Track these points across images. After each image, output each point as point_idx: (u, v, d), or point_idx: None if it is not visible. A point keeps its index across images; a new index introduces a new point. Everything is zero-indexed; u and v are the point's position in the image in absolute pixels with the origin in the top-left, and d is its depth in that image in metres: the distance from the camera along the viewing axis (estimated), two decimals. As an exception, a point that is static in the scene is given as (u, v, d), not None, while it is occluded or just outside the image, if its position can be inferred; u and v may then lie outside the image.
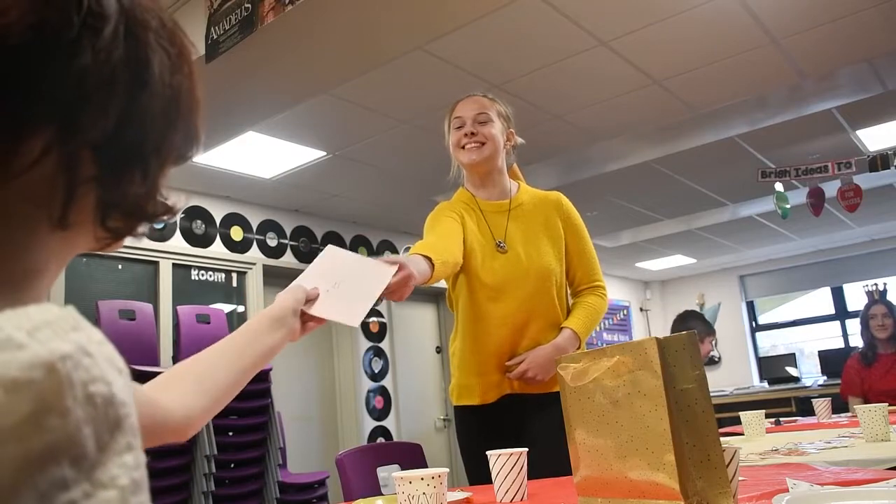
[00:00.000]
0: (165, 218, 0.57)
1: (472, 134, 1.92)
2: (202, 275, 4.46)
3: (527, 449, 1.30)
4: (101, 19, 0.47)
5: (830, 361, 6.62)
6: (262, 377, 3.83)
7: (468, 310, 1.94)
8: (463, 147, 1.94)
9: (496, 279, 1.90)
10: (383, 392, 5.41)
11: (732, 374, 8.03)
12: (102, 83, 0.47)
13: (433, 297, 6.20)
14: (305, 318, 1.15)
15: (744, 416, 2.46)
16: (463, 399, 1.95)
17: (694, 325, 4.03)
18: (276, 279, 4.98)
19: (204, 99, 0.58)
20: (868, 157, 4.47)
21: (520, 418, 1.91)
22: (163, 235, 4.26)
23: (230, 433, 3.62)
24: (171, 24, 0.54)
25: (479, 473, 1.82)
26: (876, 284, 4.08)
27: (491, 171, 1.99)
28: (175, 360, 3.94)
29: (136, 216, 0.54)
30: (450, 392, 2.02)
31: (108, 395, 0.36)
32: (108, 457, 0.36)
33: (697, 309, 8.50)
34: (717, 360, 8.28)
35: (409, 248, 1.92)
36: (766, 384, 7.42)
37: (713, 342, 3.98)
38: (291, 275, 5.00)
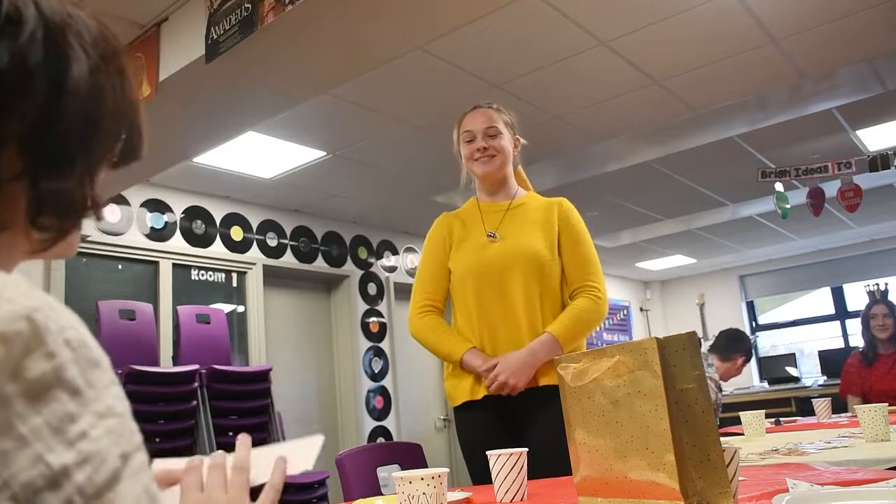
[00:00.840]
0: (95, 215, 0.58)
1: (484, 148, 2.02)
2: (202, 275, 4.46)
3: (527, 449, 1.30)
4: (18, 25, 0.49)
5: (830, 361, 6.62)
6: (262, 377, 3.83)
7: (463, 303, 1.99)
8: (476, 160, 2.04)
9: (485, 264, 1.96)
10: (383, 392, 5.41)
11: (732, 374, 8.01)
12: (17, 85, 0.48)
13: (433, 297, 6.19)
14: None
15: (744, 416, 2.46)
16: (465, 396, 1.95)
17: (746, 344, 3.96)
18: (276, 279, 4.98)
19: (139, 98, 0.59)
20: (868, 157, 4.47)
21: (519, 407, 1.92)
22: (163, 235, 4.26)
23: (230, 433, 3.62)
24: (95, 27, 0.56)
25: (482, 473, 1.83)
26: (878, 284, 4.07)
27: (501, 179, 2.09)
28: (175, 360, 3.94)
29: (66, 214, 0.55)
30: (447, 394, 2.04)
31: (80, 339, 0.40)
32: (100, 391, 0.40)
33: (698, 310, 8.51)
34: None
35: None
36: (766, 384, 7.41)
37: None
38: (291, 275, 4.95)
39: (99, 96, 0.54)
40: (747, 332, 8.33)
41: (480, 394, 1.92)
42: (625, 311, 8.34)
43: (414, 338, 2.06)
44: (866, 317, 3.77)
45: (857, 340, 4.06)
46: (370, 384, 5.33)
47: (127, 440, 0.40)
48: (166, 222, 4.30)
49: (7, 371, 0.36)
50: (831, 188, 4.70)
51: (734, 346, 3.84)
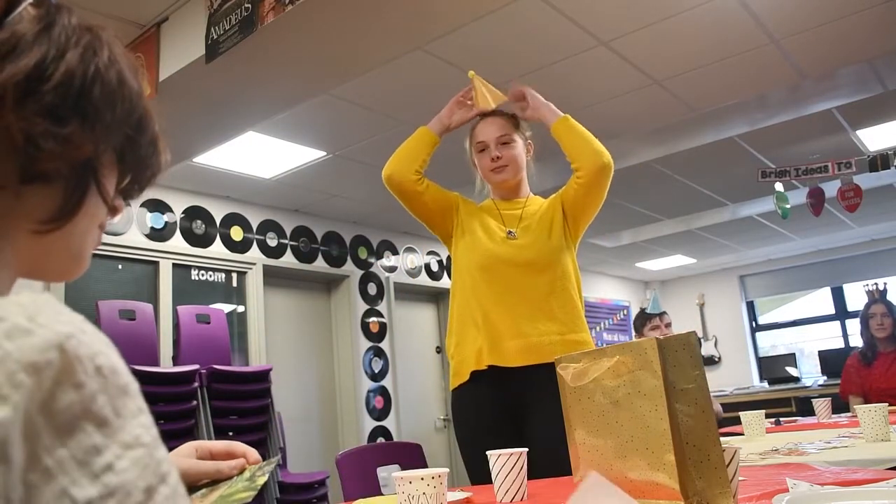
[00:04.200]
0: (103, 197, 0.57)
1: (498, 158, 2.07)
2: (202, 275, 4.46)
3: (527, 449, 1.30)
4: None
5: (830, 361, 6.62)
6: (262, 377, 3.83)
7: (472, 289, 2.01)
8: (491, 170, 2.09)
9: (504, 257, 2.00)
10: (383, 392, 5.41)
11: (732, 374, 8.03)
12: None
13: (433, 297, 6.20)
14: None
15: (744, 416, 2.46)
16: (472, 366, 1.96)
17: (642, 318, 4.42)
18: (276, 279, 4.98)
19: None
20: (868, 157, 4.47)
21: (521, 385, 1.93)
22: (163, 235, 4.26)
23: (230, 433, 3.62)
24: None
25: (480, 470, 1.83)
26: (876, 284, 4.08)
27: (514, 186, 2.15)
28: (175, 360, 3.95)
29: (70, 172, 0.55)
30: (454, 372, 2.04)
31: (111, 366, 0.40)
32: (127, 420, 0.40)
33: (698, 310, 8.53)
34: (717, 360, 8.28)
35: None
36: (766, 384, 7.42)
37: (666, 322, 4.35)
38: (291, 275, 4.95)
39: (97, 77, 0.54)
40: (747, 331, 8.37)
41: (484, 363, 1.93)
42: (625, 311, 8.33)
43: (387, 168, 2.20)
44: (865, 316, 3.77)
45: (857, 340, 4.07)
46: (370, 384, 5.33)
47: (152, 472, 0.39)
48: (166, 222, 4.30)
49: (37, 402, 0.36)
50: (831, 188, 4.70)
51: (639, 321, 4.35)
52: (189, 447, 0.87)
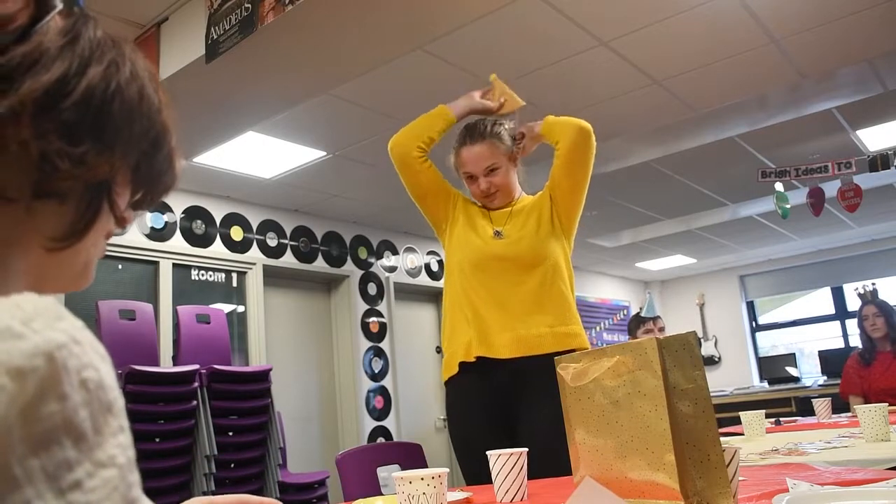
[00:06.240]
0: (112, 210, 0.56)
1: (488, 188, 2.08)
2: (202, 275, 4.46)
3: (527, 449, 1.30)
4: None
5: (830, 361, 6.63)
6: (262, 377, 3.83)
7: (461, 284, 2.03)
8: (484, 198, 2.12)
9: (494, 256, 2.01)
10: (383, 392, 5.41)
11: (732, 374, 8.03)
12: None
13: (433, 297, 6.20)
14: None
15: (744, 416, 2.46)
16: (461, 357, 1.97)
17: (637, 321, 4.55)
18: (276, 279, 4.98)
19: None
20: (868, 157, 4.47)
21: (514, 378, 1.93)
22: (163, 235, 4.26)
23: (230, 433, 3.61)
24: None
25: (471, 464, 1.84)
26: (865, 286, 4.10)
27: (507, 200, 2.16)
28: (175, 360, 3.95)
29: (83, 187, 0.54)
30: (445, 365, 2.05)
31: (98, 380, 0.39)
32: (105, 438, 0.38)
33: (698, 310, 8.53)
34: (717, 360, 8.28)
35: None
36: (766, 384, 7.42)
37: (659, 326, 4.52)
38: (291, 275, 4.94)
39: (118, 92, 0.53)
40: (747, 331, 8.36)
41: (473, 355, 1.94)
42: (625, 311, 8.34)
43: (393, 138, 2.17)
44: (860, 318, 3.80)
45: (856, 340, 4.09)
46: (370, 384, 5.33)
47: (121, 495, 0.38)
48: (166, 222, 4.30)
49: (16, 409, 0.35)
50: (831, 188, 4.70)
51: (635, 324, 4.51)
52: (197, 503, 0.86)
